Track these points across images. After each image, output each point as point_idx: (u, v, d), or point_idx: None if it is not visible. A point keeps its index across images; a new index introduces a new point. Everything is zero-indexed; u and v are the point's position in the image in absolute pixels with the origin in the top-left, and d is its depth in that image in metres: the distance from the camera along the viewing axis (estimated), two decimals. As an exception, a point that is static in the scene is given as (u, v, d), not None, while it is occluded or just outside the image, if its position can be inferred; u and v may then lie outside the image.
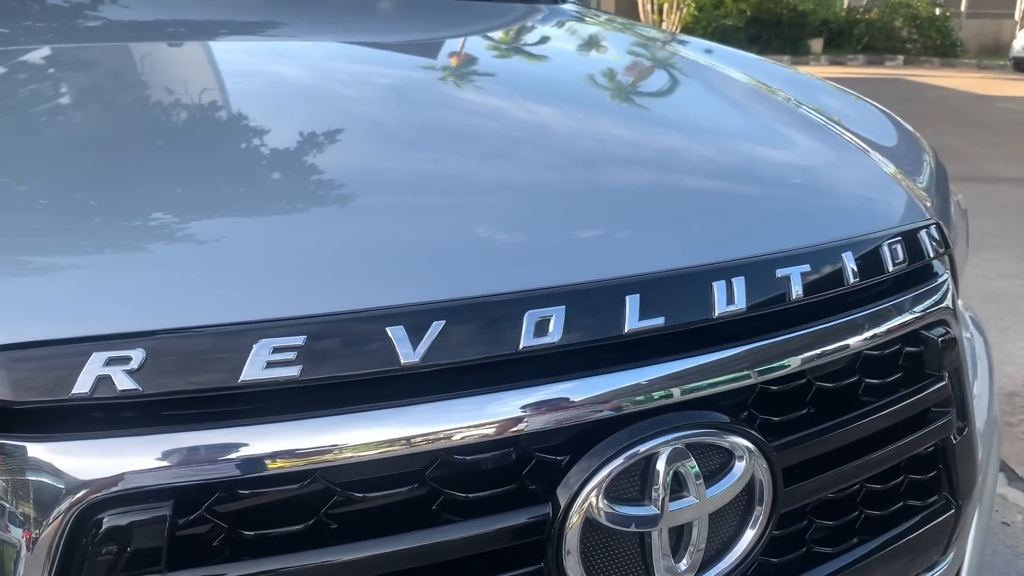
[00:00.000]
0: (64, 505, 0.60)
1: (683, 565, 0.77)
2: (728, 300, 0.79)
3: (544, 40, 1.64)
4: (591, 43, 1.65)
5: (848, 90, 1.61)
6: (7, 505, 0.61)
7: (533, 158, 0.97)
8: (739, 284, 0.81)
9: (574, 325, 0.73)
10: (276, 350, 0.64)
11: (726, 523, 0.81)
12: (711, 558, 0.80)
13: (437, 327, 0.68)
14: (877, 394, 0.93)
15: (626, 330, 0.74)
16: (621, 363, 0.75)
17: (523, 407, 0.70)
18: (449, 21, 1.71)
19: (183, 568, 0.62)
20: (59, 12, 1.40)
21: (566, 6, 2.03)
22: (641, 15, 20.55)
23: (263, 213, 0.77)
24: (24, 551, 0.61)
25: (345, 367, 0.66)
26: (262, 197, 0.80)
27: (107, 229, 0.72)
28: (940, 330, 0.99)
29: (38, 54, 1.17)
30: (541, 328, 0.71)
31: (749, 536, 0.81)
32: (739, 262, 0.82)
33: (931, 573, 1.03)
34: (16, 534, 0.61)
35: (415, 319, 0.68)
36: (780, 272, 0.84)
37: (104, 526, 0.61)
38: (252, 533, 0.65)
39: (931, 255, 1.00)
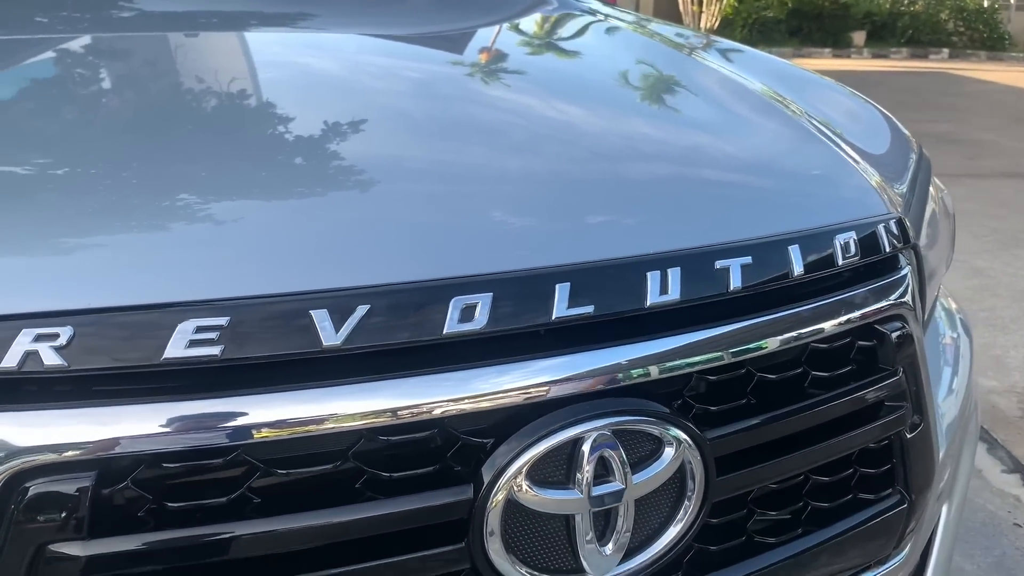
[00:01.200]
0: (-6, 472, 0.63)
1: (608, 549, 0.78)
2: (661, 291, 0.80)
3: (540, 33, 1.66)
4: (583, 36, 1.66)
5: (841, 85, 1.60)
6: (-59, 472, 0.64)
7: (479, 146, 0.99)
8: (674, 275, 0.82)
9: (501, 312, 0.74)
10: (199, 330, 0.67)
11: (657, 510, 0.82)
12: (641, 543, 0.81)
13: (361, 311, 0.70)
14: (826, 387, 0.93)
15: (554, 317, 0.76)
16: (550, 350, 0.76)
17: (445, 391, 0.72)
18: (454, 15, 1.73)
19: (106, 536, 0.65)
20: (98, 3, 1.44)
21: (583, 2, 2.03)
22: (680, 7, 20.38)
23: (199, 199, 0.80)
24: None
25: (268, 348, 0.68)
26: (203, 183, 0.83)
27: (42, 210, 0.75)
28: (896, 324, 0.98)
29: (78, 43, 1.22)
30: (467, 314, 0.73)
31: (680, 524, 0.82)
32: (675, 253, 0.83)
33: (884, 568, 1.03)
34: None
35: (339, 303, 0.70)
36: (719, 264, 0.85)
37: (29, 493, 0.64)
38: (176, 505, 0.67)
39: (888, 250, 1.00)
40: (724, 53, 1.59)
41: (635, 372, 0.79)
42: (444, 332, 0.72)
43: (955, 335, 1.42)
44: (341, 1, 1.65)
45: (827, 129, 1.21)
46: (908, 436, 1.00)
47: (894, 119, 1.47)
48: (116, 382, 0.66)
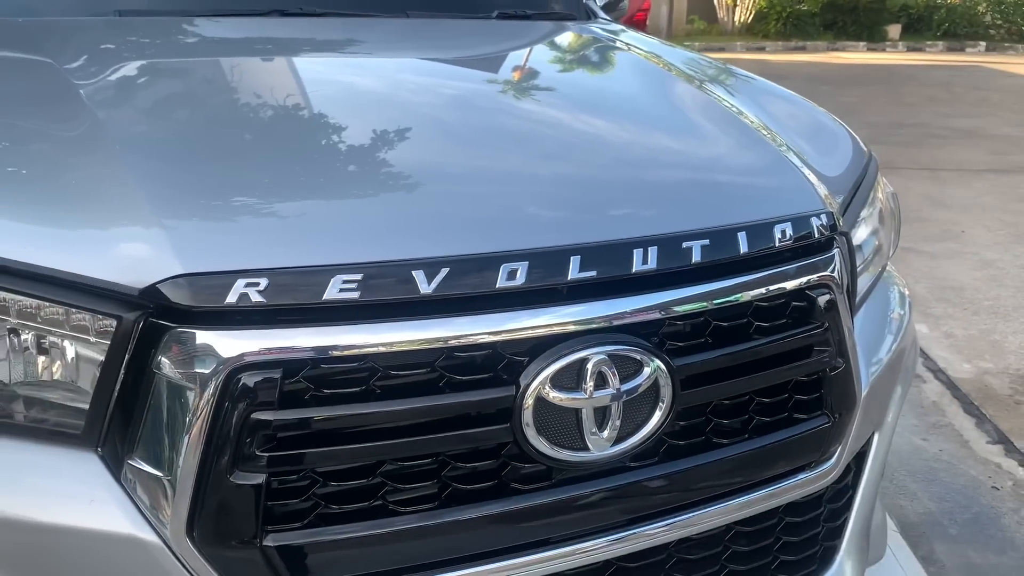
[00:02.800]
0: (219, 368, 1.03)
1: (604, 435, 1.17)
2: (644, 261, 1.19)
3: (549, 54, 2.08)
4: (581, 57, 2.09)
5: (793, 94, 1.98)
6: (187, 368, 1.04)
7: (511, 155, 1.45)
8: (653, 252, 1.20)
9: (534, 275, 1.13)
10: (345, 282, 1.06)
11: (639, 413, 1.20)
12: (627, 434, 1.20)
13: (444, 271, 1.10)
14: (766, 333, 1.31)
15: (569, 279, 1.15)
16: (567, 301, 1.16)
17: (496, 324, 1.12)
18: (478, 40, 2.15)
19: (287, 408, 1.05)
20: (162, 31, 1.89)
21: (587, 24, 2.43)
22: (715, 0, 20.56)
23: (341, 192, 1.22)
24: (196, 395, 1.04)
25: (387, 294, 1.08)
26: (334, 181, 1.25)
27: (247, 203, 1.17)
28: (823, 291, 1.36)
29: (203, 63, 1.68)
30: (512, 275, 1.12)
31: (653, 422, 1.20)
32: (656, 236, 1.22)
33: (816, 471, 1.41)
34: (191, 385, 1.04)
35: (431, 266, 1.10)
36: (685, 244, 1.23)
37: (242, 381, 1.04)
38: (328, 391, 1.07)
39: (817, 237, 1.37)
40: (715, 75, 1.98)
41: (625, 317, 1.18)
42: (497, 287, 1.12)
43: (902, 312, 1.79)
44: (372, 33, 2.13)
45: (785, 143, 1.59)
46: (831, 373, 1.37)
47: (850, 132, 1.84)
48: (295, 314, 1.06)
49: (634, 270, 1.19)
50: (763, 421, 1.33)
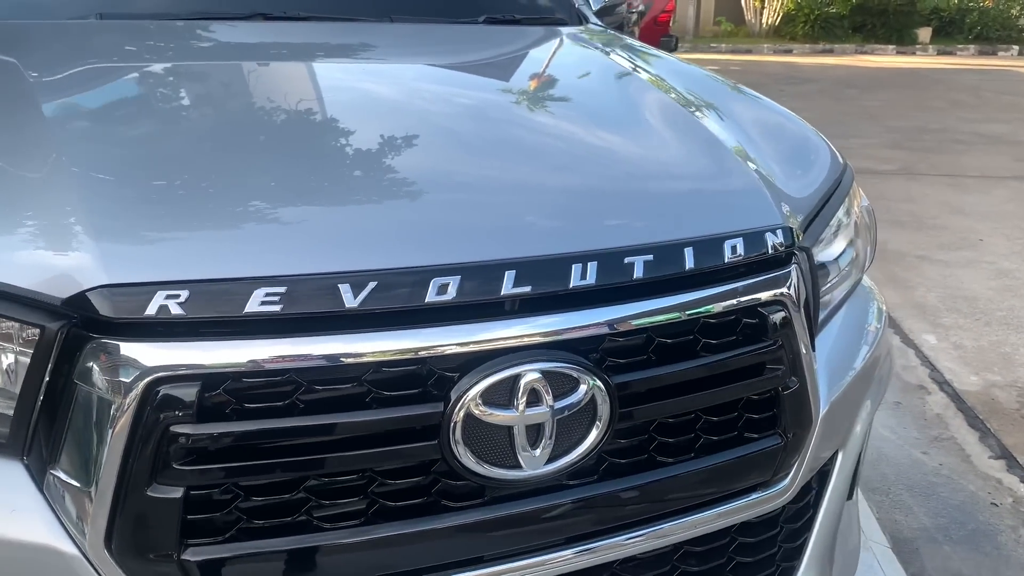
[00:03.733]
0: (138, 380, 1.02)
1: (537, 453, 1.15)
2: (581, 277, 1.17)
3: (522, 63, 2.08)
4: (564, 63, 2.08)
5: (771, 103, 1.95)
6: (108, 378, 1.04)
7: (451, 164, 1.44)
8: (592, 266, 1.18)
9: (466, 289, 1.11)
10: (267, 295, 1.05)
11: (575, 431, 1.18)
12: (563, 452, 1.17)
13: (371, 285, 1.08)
14: (714, 351, 1.27)
15: (502, 294, 1.13)
16: (501, 316, 1.13)
17: (426, 341, 1.10)
18: (471, 47, 2.13)
19: (206, 421, 1.04)
20: (182, 35, 1.89)
21: (573, 29, 2.41)
22: (742, 2, 20.42)
23: (269, 205, 1.20)
24: (115, 407, 1.03)
25: (312, 307, 1.07)
26: (264, 193, 1.24)
27: (178, 215, 1.17)
28: (776, 308, 1.32)
29: (170, 68, 1.66)
30: (442, 290, 1.11)
31: (589, 440, 1.18)
32: (592, 252, 1.19)
33: (768, 492, 1.37)
34: (111, 396, 1.04)
35: (357, 280, 1.08)
36: (628, 259, 1.20)
37: (161, 393, 1.03)
38: (250, 406, 1.06)
39: (771, 253, 1.33)
40: (691, 83, 1.96)
41: (560, 334, 1.15)
42: (425, 301, 1.10)
43: (878, 326, 1.74)
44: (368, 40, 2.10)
45: (748, 155, 1.56)
46: (784, 392, 1.34)
47: (826, 143, 1.80)
48: (216, 326, 1.05)
49: (571, 285, 1.16)
50: (711, 440, 1.30)
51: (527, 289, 1.14)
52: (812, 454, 1.42)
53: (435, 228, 1.21)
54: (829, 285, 1.56)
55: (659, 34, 12.86)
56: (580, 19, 2.59)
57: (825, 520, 1.54)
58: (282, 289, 1.06)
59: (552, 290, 1.16)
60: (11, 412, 1.07)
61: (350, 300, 1.07)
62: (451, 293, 1.11)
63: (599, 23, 2.64)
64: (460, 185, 1.35)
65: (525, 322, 1.14)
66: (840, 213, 1.63)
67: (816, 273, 1.47)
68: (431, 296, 1.10)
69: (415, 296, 1.10)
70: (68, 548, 1.05)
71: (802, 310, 1.37)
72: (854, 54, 18.44)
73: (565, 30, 2.41)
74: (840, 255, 1.61)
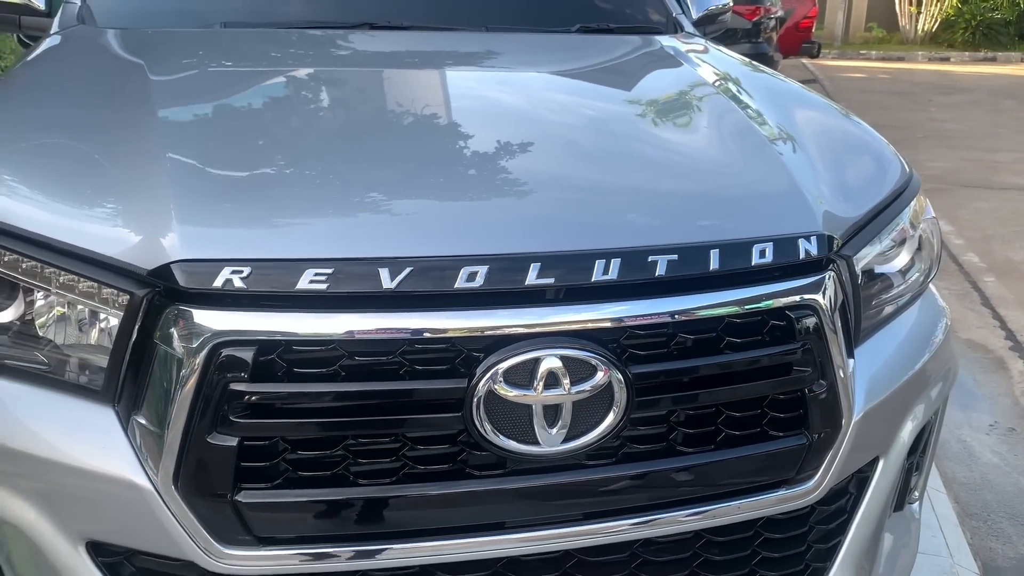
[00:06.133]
0: (206, 342, 1.19)
1: (554, 431, 1.25)
2: (603, 272, 1.26)
3: (608, 72, 2.17)
4: (641, 72, 2.17)
5: (839, 110, 1.96)
6: (182, 340, 1.21)
7: (493, 164, 1.55)
8: (615, 263, 1.27)
9: (492, 278, 1.23)
10: (316, 274, 1.20)
11: (594, 414, 1.27)
12: (580, 433, 1.27)
13: (407, 270, 1.21)
14: (738, 349, 1.34)
15: (526, 284, 1.24)
16: (526, 304, 1.24)
17: (453, 322, 1.22)
18: (566, 56, 2.26)
19: (260, 381, 1.20)
20: (290, 42, 2.10)
21: (666, 39, 2.46)
22: (897, 7, 19.53)
23: (332, 195, 1.37)
24: (186, 364, 1.20)
25: (353, 287, 1.21)
26: (331, 185, 1.40)
27: (252, 201, 1.34)
28: (805, 312, 1.37)
29: (268, 72, 1.89)
30: (471, 277, 1.22)
31: (605, 424, 1.27)
32: (619, 250, 1.28)
33: (793, 490, 1.42)
34: (183, 355, 1.21)
35: (395, 265, 1.22)
36: (651, 258, 1.29)
37: (223, 354, 1.19)
38: (298, 370, 1.21)
39: (803, 258, 1.38)
40: (767, 92, 2.01)
41: (580, 324, 1.25)
42: (455, 287, 1.22)
43: (938, 340, 1.74)
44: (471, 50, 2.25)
45: (798, 163, 1.60)
46: (811, 394, 1.38)
47: (894, 153, 1.81)
48: (272, 300, 1.21)
49: (593, 280, 1.26)
50: (732, 434, 1.36)
51: (550, 281, 1.25)
52: (844, 457, 1.44)
53: (470, 221, 1.34)
54: (878, 294, 1.58)
55: (800, 40, 12.54)
56: (676, 27, 2.64)
57: (862, 525, 1.56)
58: (329, 270, 1.20)
59: (574, 283, 1.26)
60: (105, 365, 1.26)
61: (388, 282, 1.21)
62: (479, 281, 1.23)
63: (695, 31, 2.69)
64: (498, 184, 1.48)
65: (546, 311, 1.25)
66: (902, 223, 1.64)
67: (858, 281, 1.49)
68: (460, 282, 1.22)
69: (446, 281, 1.22)
70: (143, 483, 1.23)
71: (837, 316, 1.41)
72: (1019, 63, 17.31)
73: (657, 39, 2.47)
74: (895, 264, 1.62)
